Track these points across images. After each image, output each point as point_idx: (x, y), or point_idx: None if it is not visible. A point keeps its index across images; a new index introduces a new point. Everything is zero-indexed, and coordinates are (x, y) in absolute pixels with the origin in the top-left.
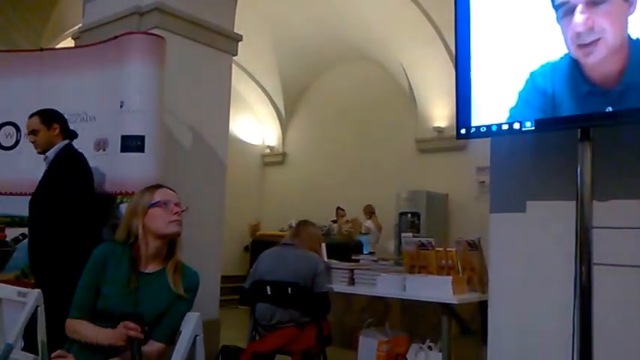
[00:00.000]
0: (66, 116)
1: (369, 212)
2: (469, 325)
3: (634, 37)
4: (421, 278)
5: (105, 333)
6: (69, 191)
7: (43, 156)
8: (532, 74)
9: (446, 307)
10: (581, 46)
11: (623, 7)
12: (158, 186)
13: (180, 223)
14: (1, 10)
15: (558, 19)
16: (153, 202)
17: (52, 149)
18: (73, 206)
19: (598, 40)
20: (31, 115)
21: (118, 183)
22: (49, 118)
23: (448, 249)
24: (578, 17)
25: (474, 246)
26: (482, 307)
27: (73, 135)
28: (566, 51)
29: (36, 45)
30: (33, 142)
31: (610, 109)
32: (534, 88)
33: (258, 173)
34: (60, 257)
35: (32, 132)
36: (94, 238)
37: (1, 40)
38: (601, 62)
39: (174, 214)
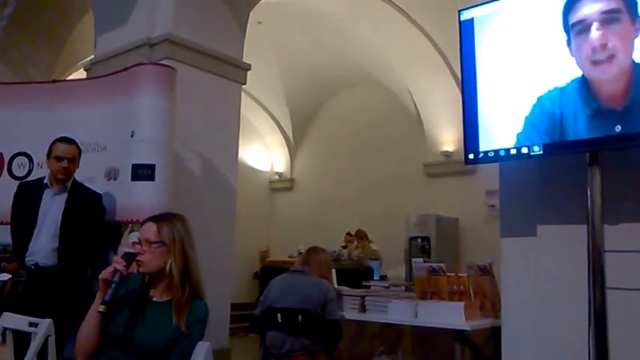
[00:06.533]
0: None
1: (361, 237)
2: (482, 351)
3: (638, 60)
4: (433, 304)
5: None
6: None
7: (46, 183)
8: (540, 98)
9: (459, 334)
10: (595, 63)
11: (631, 30)
12: (146, 220)
13: (143, 262)
14: (13, 43)
15: (569, 40)
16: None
17: (70, 179)
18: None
19: (612, 57)
20: (67, 141)
21: (129, 211)
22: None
23: (460, 274)
24: (594, 34)
25: (486, 271)
26: (496, 332)
27: None
28: (575, 74)
29: (48, 77)
30: (66, 169)
31: (619, 127)
32: (542, 112)
33: (267, 199)
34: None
35: (72, 159)
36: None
37: (14, 73)
38: (611, 80)
39: (139, 253)
